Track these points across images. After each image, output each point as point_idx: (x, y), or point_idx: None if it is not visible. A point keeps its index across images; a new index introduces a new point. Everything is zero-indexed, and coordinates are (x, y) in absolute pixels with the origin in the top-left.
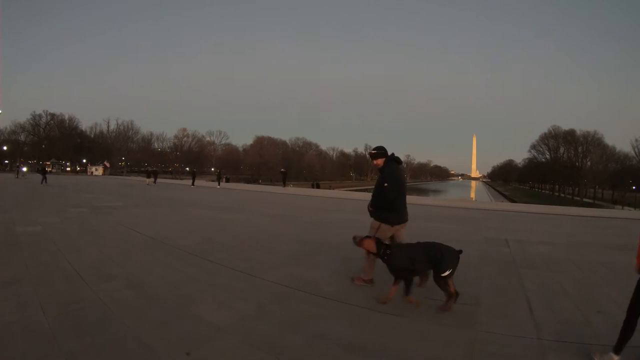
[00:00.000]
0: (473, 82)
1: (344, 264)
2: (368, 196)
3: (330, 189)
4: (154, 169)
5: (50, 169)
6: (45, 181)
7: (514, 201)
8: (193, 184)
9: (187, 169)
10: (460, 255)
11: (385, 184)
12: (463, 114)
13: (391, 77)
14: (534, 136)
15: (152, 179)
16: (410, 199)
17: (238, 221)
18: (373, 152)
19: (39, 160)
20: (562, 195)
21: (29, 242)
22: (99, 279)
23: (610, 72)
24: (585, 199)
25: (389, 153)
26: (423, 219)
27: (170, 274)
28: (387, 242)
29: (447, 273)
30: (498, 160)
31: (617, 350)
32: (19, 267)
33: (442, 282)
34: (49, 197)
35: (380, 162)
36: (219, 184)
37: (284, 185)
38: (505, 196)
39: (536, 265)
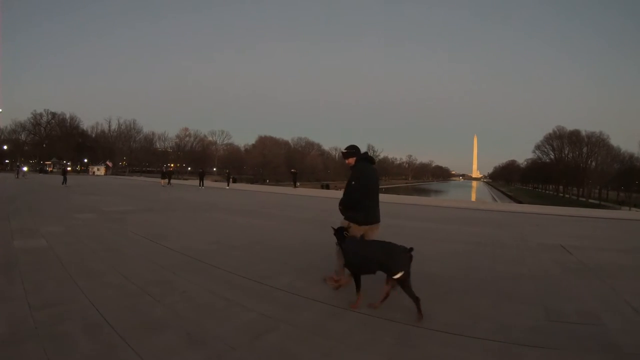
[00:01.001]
0: (474, 82)
1: (433, 285)
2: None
3: (337, 189)
4: (169, 169)
5: (50, 169)
6: (65, 182)
7: (519, 202)
8: (202, 184)
9: (189, 168)
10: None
11: (352, 182)
12: (464, 114)
13: (392, 77)
14: (535, 137)
15: (166, 180)
16: (435, 201)
17: (274, 229)
18: (344, 151)
19: (40, 160)
20: (567, 196)
21: (31, 264)
22: (138, 328)
23: (612, 72)
24: (590, 200)
25: (393, 152)
26: (462, 222)
27: (237, 313)
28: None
29: (399, 275)
30: (499, 160)
31: None
32: (19, 310)
33: (403, 286)
34: (51, 200)
35: (351, 161)
36: (228, 185)
37: (295, 185)
38: (510, 197)
39: (614, 274)
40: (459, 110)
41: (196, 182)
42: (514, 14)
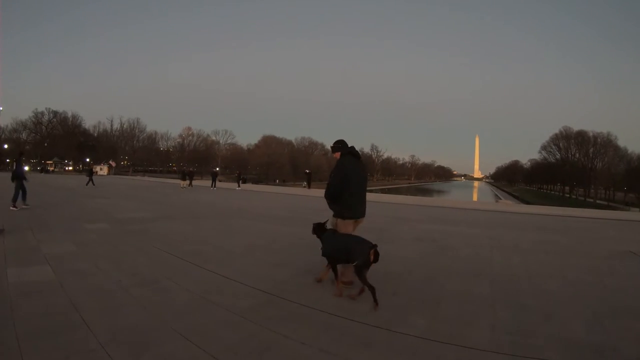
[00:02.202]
0: (476, 83)
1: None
2: (395, 199)
3: None
4: (191, 169)
5: (52, 169)
6: (93, 183)
7: (528, 202)
8: (214, 185)
9: (192, 169)
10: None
11: (332, 175)
12: (465, 115)
13: (395, 77)
14: (537, 137)
15: (187, 181)
16: (468, 203)
17: None
18: (332, 145)
19: (41, 159)
20: (574, 196)
21: (34, 319)
22: None
23: (617, 72)
24: (597, 201)
25: (399, 150)
26: (516, 228)
27: None
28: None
29: (354, 264)
30: (499, 161)
31: None
32: None
33: (358, 274)
34: (55, 205)
35: (337, 155)
36: (238, 186)
37: (309, 186)
38: (516, 197)
39: None
40: (461, 110)
41: (203, 182)
42: (516, 14)
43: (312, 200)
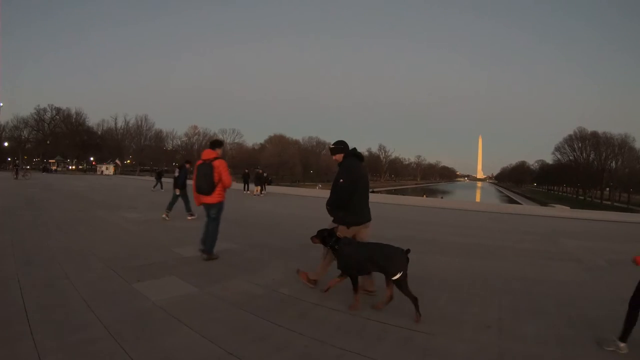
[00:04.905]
0: (479, 84)
1: None
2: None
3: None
4: (261, 170)
5: (55, 167)
6: (161, 186)
7: (545, 205)
8: (247, 188)
9: (260, 170)
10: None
11: (340, 180)
12: (468, 115)
13: (399, 78)
14: (540, 138)
15: (260, 188)
16: (527, 209)
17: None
18: (332, 147)
19: (43, 158)
20: (589, 198)
21: None
22: None
23: (617, 73)
24: (615, 203)
25: (393, 151)
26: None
27: None
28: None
29: (398, 276)
30: (502, 161)
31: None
32: None
33: (400, 287)
34: (65, 223)
35: (339, 157)
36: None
37: None
38: (531, 199)
39: None
40: (464, 111)
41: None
42: (520, 14)
43: (396, 208)
